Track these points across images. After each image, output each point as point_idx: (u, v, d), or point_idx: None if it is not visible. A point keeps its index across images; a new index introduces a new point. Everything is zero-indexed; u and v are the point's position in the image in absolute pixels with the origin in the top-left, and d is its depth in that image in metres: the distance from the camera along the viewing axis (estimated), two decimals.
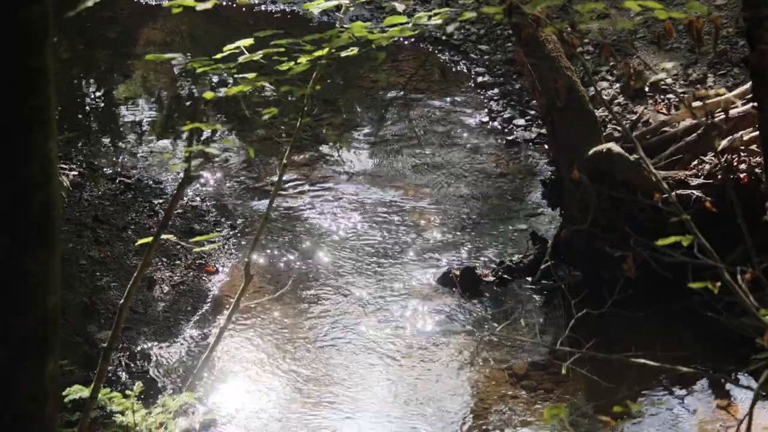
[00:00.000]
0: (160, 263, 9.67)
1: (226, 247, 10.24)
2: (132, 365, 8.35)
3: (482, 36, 14.73)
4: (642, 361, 4.45)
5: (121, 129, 12.79)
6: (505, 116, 13.02)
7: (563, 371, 4.93)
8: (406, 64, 14.26)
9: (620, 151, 9.00)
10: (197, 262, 9.88)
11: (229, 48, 5.41)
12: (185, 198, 10.93)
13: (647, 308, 8.81)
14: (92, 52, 15.38)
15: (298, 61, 5.45)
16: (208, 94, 5.84)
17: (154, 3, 16.50)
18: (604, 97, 12.04)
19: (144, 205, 10.72)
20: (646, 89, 12.09)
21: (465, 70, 14.24)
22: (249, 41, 5.40)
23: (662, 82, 12.00)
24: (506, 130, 12.72)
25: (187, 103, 13.42)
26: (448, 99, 13.51)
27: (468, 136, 12.65)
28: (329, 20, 15.35)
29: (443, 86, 13.81)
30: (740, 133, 9.07)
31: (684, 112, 10.11)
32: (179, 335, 8.88)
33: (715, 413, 7.78)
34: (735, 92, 9.94)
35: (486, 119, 13.00)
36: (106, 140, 12.62)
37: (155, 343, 8.67)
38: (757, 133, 8.80)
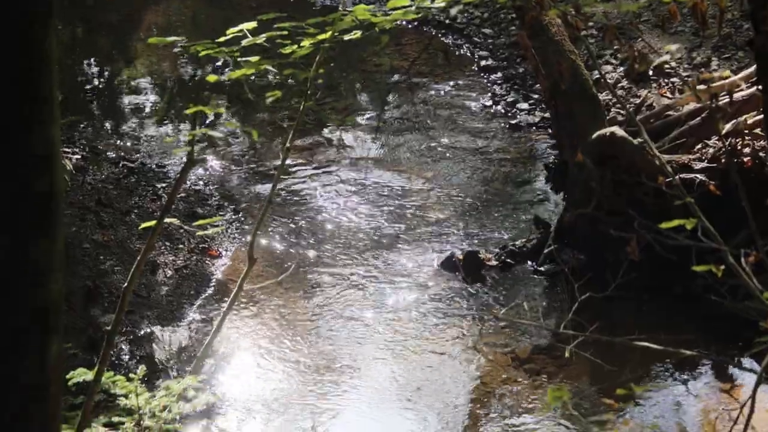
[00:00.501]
0: (163, 247, 9.67)
1: (229, 231, 10.24)
2: (135, 349, 8.35)
3: (486, 19, 14.72)
4: (645, 344, 4.45)
5: (124, 113, 12.78)
6: (508, 100, 13.01)
7: (566, 355, 4.92)
8: (410, 47, 14.24)
9: (624, 135, 8.99)
10: (200, 246, 9.88)
11: (232, 31, 5.40)
12: (188, 182, 10.93)
13: (651, 292, 8.81)
14: (94, 36, 15.37)
15: (301, 44, 5.44)
16: (211, 78, 5.83)
17: None
18: (608, 81, 12.02)
19: (147, 189, 10.72)
20: (650, 73, 12.07)
21: (468, 54, 14.23)
22: (252, 24, 5.38)
23: (666, 66, 11.98)
24: (509, 114, 12.71)
25: (190, 87, 13.40)
26: (452, 83, 13.50)
27: (471, 120, 12.64)
28: (332, 3, 15.35)
29: (446, 70, 13.79)
30: (744, 116, 9.05)
31: (688, 96, 10.10)
32: (182, 319, 8.88)
33: (719, 396, 7.78)
34: (739, 75, 9.91)
35: (489, 103, 12.99)
36: (109, 124, 12.61)
37: (158, 327, 8.68)
38: (761, 116, 8.78)
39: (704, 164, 8.96)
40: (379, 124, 12.53)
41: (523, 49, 11.33)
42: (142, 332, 8.56)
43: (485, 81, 13.53)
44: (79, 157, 10.96)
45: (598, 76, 10.93)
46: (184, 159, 5.34)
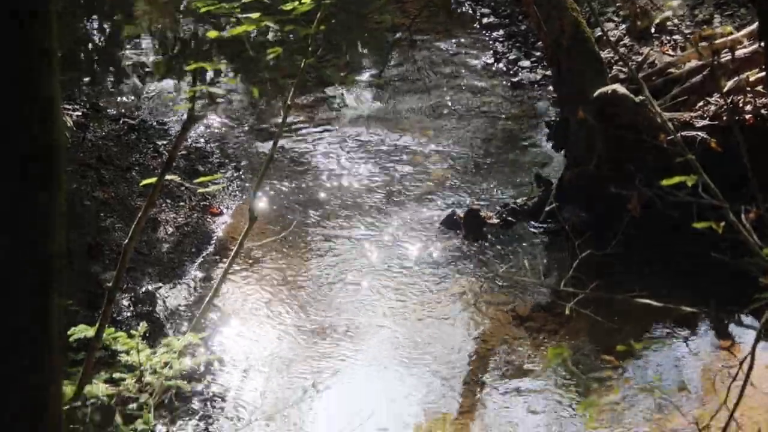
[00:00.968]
0: (164, 205, 9.67)
1: (230, 188, 10.23)
2: (137, 306, 8.37)
3: None
4: (645, 301, 4.45)
5: (125, 70, 12.73)
6: (510, 58, 12.97)
7: (567, 312, 4.93)
8: (411, 4, 14.15)
9: (626, 93, 8.96)
10: (201, 203, 9.88)
11: None
12: (189, 139, 10.91)
13: (652, 250, 8.82)
14: None
15: (303, 0, 5.42)
16: (212, 33, 5.82)
17: None
18: (610, 38, 11.97)
19: (148, 147, 10.70)
20: (652, 30, 12.02)
21: (470, 11, 14.16)
22: None
23: (668, 23, 11.93)
24: (511, 72, 12.67)
25: (191, 44, 13.35)
26: (453, 40, 13.45)
27: (473, 78, 12.60)
28: None
29: (448, 27, 13.74)
30: (746, 73, 9.03)
31: (690, 53, 10.07)
32: (183, 276, 8.89)
33: (718, 353, 7.80)
34: (742, 32, 9.88)
35: (491, 61, 12.95)
36: (110, 81, 12.57)
37: (160, 285, 8.69)
38: (763, 73, 8.77)
39: (706, 122, 8.95)
40: (380, 82, 12.50)
41: (525, 6, 11.30)
42: (143, 289, 8.57)
43: (487, 38, 13.48)
44: (79, 114, 10.93)
45: (600, 33, 10.89)
46: (185, 116, 5.34)
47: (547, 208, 9.52)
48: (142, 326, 5.78)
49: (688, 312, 4.62)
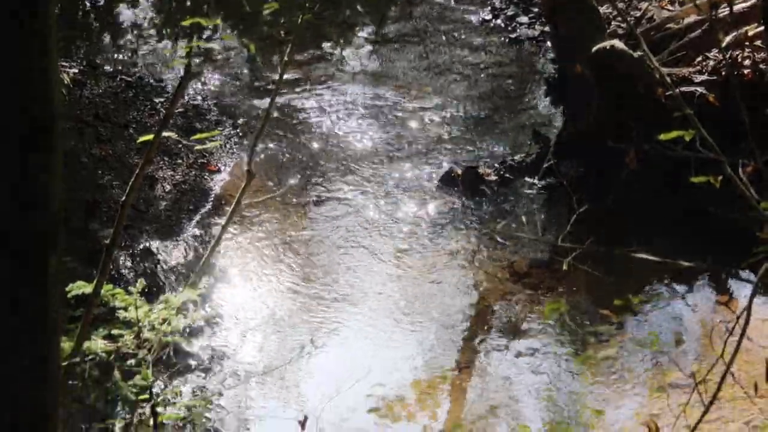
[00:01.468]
0: (161, 162, 9.66)
1: (227, 146, 10.21)
2: (135, 263, 8.37)
3: None
4: (643, 255, 4.46)
5: (122, 27, 12.68)
6: (508, 14, 12.91)
7: (564, 267, 4.94)
8: None
9: (624, 48, 8.93)
10: (199, 161, 9.87)
11: None
12: (186, 97, 10.88)
13: (649, 205, 8.82)
14: None
15: None
16: None
17: None
18: None
19: (145, 104, 10.68)
20: None
21: None
22: None
23: None
24: (509, 28, 12.62)
25: (188, 2, 13.28)
26: None
27: (470, 35, 12.55)
28: None
29: None
30: (745, 28, 9.00)
31: (689, 8, 10.03)
32: (181, 233, 8.89)
33: (716, 308, 7.82)
34: None
35: (489, 17, 12.89)
36: (107, 38, 12.52)
37: (157, 242, 8.69)
38: (761, 28, 8.73)
39: (704, 77, 8.93)
40: (377, 39, 12.45)
41: None
42: (141, 246, 8.58)
43: None
44: (76, 71, 10.89)
45: None
46: (182, 72, 5.31)
47: (545, 165, 9.51)
48: (140, 283, 5.77)
49: (686, 267, 4.62)
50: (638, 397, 6.91)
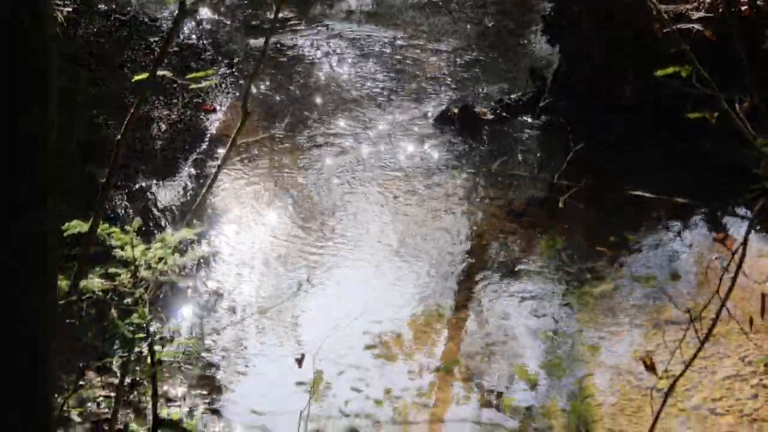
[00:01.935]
0: (157, 102, 9.63)
1: (223, 86, 10.18)
2: (130, 202, 8.37)
3: None
4: (639, 192, 4.46)
5: None
6: None
7: (560, 205, 4.94)
8: None
9: None
10: (194, 100, 9.84)
11: None
12: (181, 36, 10.82)
13: (645, 144, 8.81)
14: None
15: None
16: None
17: None
18: None
19: (140, 43, 10.62)
20: None
21: None
22: None
23: None
24: None
25: None
26: None
27: None
28: None
29: None
30: None
31: None
32: (177, 173, 8.88)
33: (711, 245, 7.83)
34: None
35: None
36: None
37: (153, 181, 8.68)
38: None
39: (701, 13, 8.88)
40: None
41: None
42: (137, 186, 8.57)
43: None
44: (70, 9, 10.82)
45: None
46: (177, 11, 5.27)
47: (541, 104, 9.50)
48: (136, 222, 5.77)
49: (682, 204, 4.63)
50: (634, 333, 6.94)
